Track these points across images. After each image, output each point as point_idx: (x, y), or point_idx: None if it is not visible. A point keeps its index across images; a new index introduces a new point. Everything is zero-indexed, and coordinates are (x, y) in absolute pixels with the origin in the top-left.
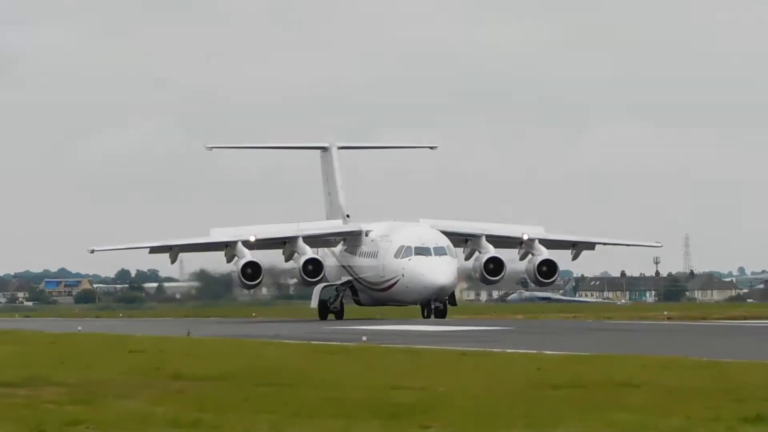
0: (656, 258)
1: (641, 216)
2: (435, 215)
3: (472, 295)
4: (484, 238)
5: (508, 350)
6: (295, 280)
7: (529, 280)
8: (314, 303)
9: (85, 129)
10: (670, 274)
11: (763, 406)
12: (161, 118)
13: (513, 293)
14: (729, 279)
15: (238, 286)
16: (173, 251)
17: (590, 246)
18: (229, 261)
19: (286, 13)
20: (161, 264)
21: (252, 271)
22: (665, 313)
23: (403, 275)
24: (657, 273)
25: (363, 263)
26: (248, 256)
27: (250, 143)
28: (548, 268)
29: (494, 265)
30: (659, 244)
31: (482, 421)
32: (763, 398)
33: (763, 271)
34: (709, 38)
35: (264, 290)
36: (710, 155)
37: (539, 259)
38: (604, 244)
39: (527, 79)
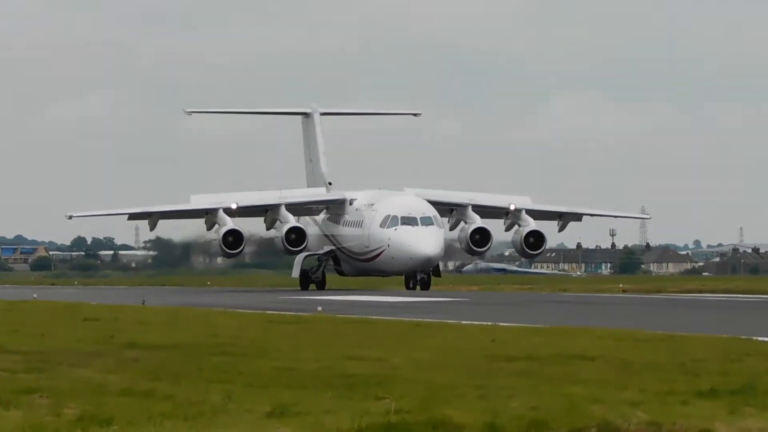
0: (612, 230)
1: (596, 187)
2: (419, 184)
3: None
4: (470, 208)
5: (463, 322)
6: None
7: (516, 251)
8: (295, 273)
9: (50, 96)
10: (626, 247)
11: (718, 380)
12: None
13: (469, 264)
14: (685, 252)
15: (218, 253)
16: (152, 218)
17: (577, 217)
18: (209, 228)
19: None
20: (117, 231)
21: (234, 239)
22: (621, 285)
23: (388, 245)
24: (613, 245)
25: (347, 232)
26: (230, 223)
27: (230, 108)
28: (535, 239)
29: (480, 236)
30: (647, 216)
31: (436, 393)
32: (718, 372)
33: (719, 245)
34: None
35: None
36: (667, 128)
37: (526, 230)
38: (592, 215)
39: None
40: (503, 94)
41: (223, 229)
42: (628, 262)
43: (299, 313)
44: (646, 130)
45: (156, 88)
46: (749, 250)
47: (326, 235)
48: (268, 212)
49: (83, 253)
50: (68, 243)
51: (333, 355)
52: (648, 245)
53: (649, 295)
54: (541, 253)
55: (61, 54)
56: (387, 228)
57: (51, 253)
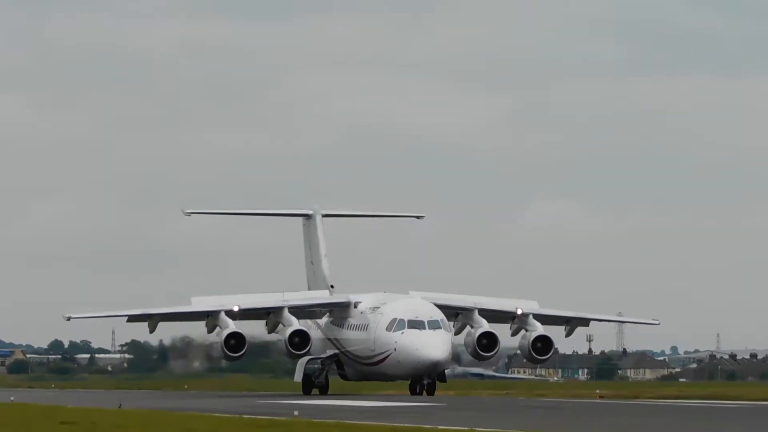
0: (589, 336)
1: (575, 290)
2: (423, 287)
3: None
4: (476, 312)
5: (440, 427)
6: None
7: (523, 356)
8: (298, 377)
9: (34, 195)
10: (602, 352)
11: None
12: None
13: (446, 368)
14: (661, 358)
15: (220, 356)
16: (152, 320)
17: (584, 322)
18: (210, 331)
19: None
20: (94, 335)
21: (236, 342)
22: (598, 391)
23: (395, 349)
24: (590, 351)
25: (351, 336)
26: (232, 326)
27: (227, 209)
28: (543, 344)
29: (488, 340)
30: (657, 322)
31: None
32: None
33: (696, 351)
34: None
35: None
36: (643, 232)
37: (534, 334)
38: (600, 320)
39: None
40: (509, 193)
41: (225, 332)
42: (605, 367)
43: (275, 417)
44: (623, 233)
45: (150, 188)
46: (726, 356)
47: (329, 339)
48: (270, 315)
49: (60, 356)
50: (45, 346)
51: None
52: (625, 351)
53: (626, 401)
54: (549, 358)
55: (48, 152)
56: (393, 332)
57: (28, 356)
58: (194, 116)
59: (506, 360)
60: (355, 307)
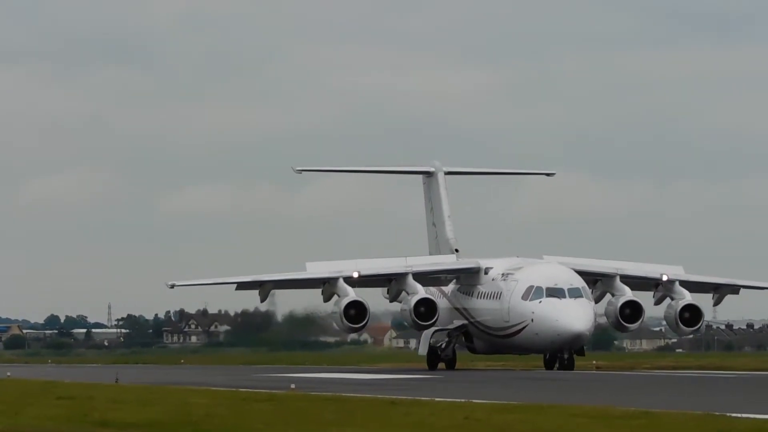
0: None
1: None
2: (556, 252)
3: (401, 343)
4: (618, 279)
5: (437, 399)
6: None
7: (669, 327)
8: (422, 350)
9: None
10: (599, 324)
11: None
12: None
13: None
14: (658, 328)
15: (340, 327)
16: (264, 288)
17: (735, 289)
18: (326, 300)
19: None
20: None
21: (356, 312)
22: (594, 362)
23: (532, 320)
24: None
25: (482, 305)
26: (352, 294)
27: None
28: (691, 314)
29: (631, 310)
30: None
31: None
32: None
33: None
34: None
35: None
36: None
37: (682, 303)
38: (752, 287)
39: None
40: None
41: (345, 301)
42: (602, 338)
43: (273, 391)
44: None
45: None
46: (723, 327)
47: (457, 308)
48: (392, 282)
49: (57, 332)
50: (42, 321)
51: None
52: None
53: (622, 371)
54: (697, 330)
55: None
56: (530, 300)
57: (25, 331)
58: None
59: None
60: (486, 273)
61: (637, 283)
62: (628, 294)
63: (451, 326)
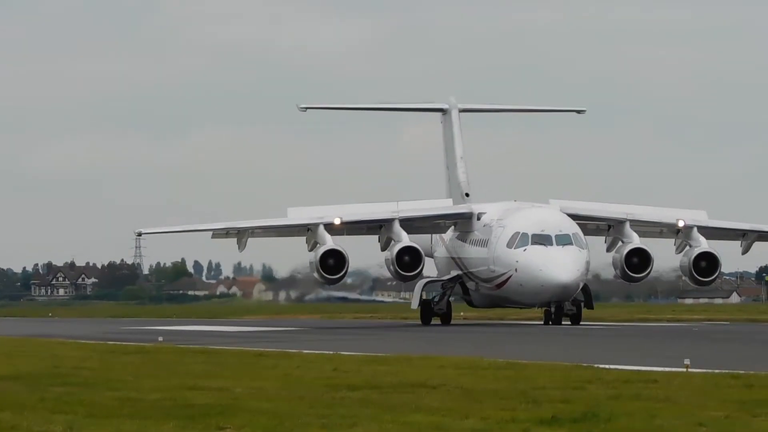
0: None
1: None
2: (575, 196)
3: (270, 295)
4: (627, 225)
5: (306, 351)
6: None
7: (686, 278)
8: (415, 304)
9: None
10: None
11: (559, 407)
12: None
13: (311, 293)
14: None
15: (316, 280)
16: (242, 235)
17: (765, 236)
18: (311, 249)
19: None
20: None
21: (334, 261)
22: (462, 314)
23: (516, 270)
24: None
25: (473, 254)
26: (329, 242)
27: (347, 104)
28: (708, 263)
29: (639, 259)
30: None
31: (279, 423)
32: (559, 400)
33: None
34: None
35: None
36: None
37: (696, 251)
38: None
39: None
40: None
41: (321, 249)
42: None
43: (141, 344)
44: None
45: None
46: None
47: (453, 258)
48: (382, 228)
49: None
50: None
51: (175, 385)
52: None
53: (490, 322)
54: (714, 280)
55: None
56: (515, 248)
57: None
58: None
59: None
60: (479, 219)
61: (654, 230)
62: (635, 241)
63: (445, 277)
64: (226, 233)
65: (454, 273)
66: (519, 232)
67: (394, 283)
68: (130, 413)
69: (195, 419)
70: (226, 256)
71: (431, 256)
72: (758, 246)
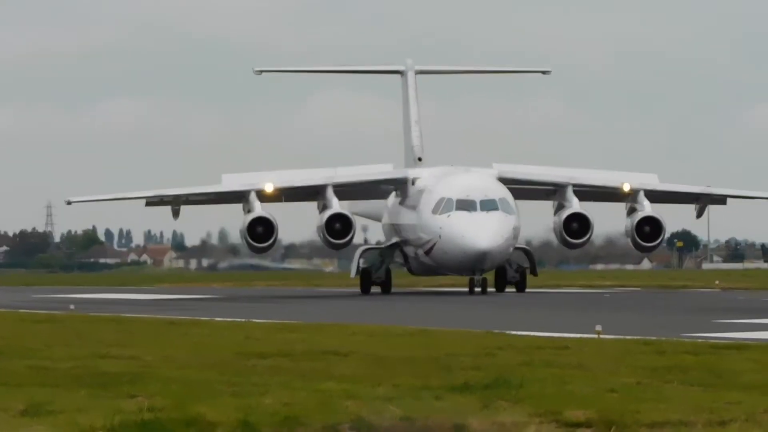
0: (364, 226)
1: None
2: (537, 160)
3: (181, 263)
4: (570, 189)
5: (217, 319)
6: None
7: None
8: (354, 272)
9: None
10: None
11: (471, 374)
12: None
13: (223, 262)
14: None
15: (245, 248)
16: (175, 203)
17: (720, 200)
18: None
19: None
20: None
21: (263, 229)
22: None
23: (440, 236)
24: (365, 240)
25: (405, 220)
26: (258, 210)
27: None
28: (651, 227)
29: (579, 224)
30: None
31: (190, 391)
32: (471, 367)
33: None
34: None
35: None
36: None
37: (638, 216)
38: (739, 197)
39: None
40: None
41: (249, 217)
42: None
43: (52, 312)
44: None
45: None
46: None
47: (392, 224)
48: (319, 195)
49: None
50: None
51: (86, 354)
52: None
53: (409, 289)
54: (658, 246)
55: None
56: (439, 214)
57: None
58: None
59: (282, 250)
60: (413, 184)
61: (599, 193)
62: (574, 206)
63: (384, 245)
64: (160, 200)
65: (394, 239)
66: (444, 198)
67: (306, 250)
68: (41, 382)
69: (107, 387)
70: (137, 224)
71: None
72: (668, 211)
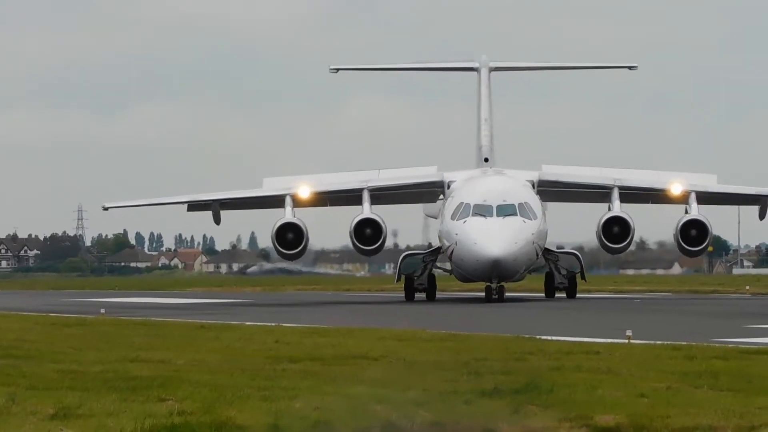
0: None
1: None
2: (615, 162)
3: (211, 268)
4: (615, 191)
5: (247, 323)
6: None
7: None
8: (397, 278)
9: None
10: (408, 247)
11: (501, 379)
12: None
13: (253, 266)
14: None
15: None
16: (214, 207)
17: None
18: None
19: None
20: None
21: (294, 236)
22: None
23: (456, 243)
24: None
25: (437, 225)
26: (288, 215)
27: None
28: (698, 231)
29: (619, 228)
30: None
31: (220, 395)
32: (500, 371)
33: None
34: None
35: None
36: None
37: (684, 219)
38: None
39: None
40: None
41: (278, 223)
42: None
43: (83, 316)
44: None
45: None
46: None
47: (437, 229)
48: (356, 199)
49: None
50: None
51: (116, 358)
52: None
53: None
54: (703, 250)
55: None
56: (457, 220)
57: None
58: None
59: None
60: (449, 187)
61: (648, 195)
62: (615, 209)
63: (426, 250)
64: (202, 205)
65: (435, 246)
66: (463, 203)
67: (338, 255)
68: (71, 385)
69: (137, 391)
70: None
71: None
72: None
